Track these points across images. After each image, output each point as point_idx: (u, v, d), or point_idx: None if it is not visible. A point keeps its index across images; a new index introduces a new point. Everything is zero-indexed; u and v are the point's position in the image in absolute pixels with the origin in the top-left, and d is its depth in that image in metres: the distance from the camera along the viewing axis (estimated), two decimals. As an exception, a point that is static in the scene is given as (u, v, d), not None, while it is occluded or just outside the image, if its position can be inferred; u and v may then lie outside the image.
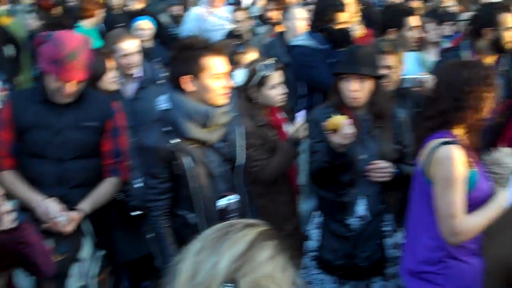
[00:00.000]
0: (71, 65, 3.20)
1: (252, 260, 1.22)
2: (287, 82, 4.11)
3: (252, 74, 3.99)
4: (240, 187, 3.26)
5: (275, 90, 3.98)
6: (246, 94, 4.00)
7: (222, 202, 3.15)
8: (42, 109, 3.35)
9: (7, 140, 3.36)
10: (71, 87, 3.27)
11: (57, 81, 3.24)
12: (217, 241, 1.26)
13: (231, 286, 1.17)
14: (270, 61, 4.03)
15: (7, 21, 7.24)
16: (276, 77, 3.99)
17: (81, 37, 3.37)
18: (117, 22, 5.90)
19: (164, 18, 7.99)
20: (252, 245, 1.25)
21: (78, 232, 3.28)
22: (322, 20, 4.86)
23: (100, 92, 3.83)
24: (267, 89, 3.96)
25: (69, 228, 3.22)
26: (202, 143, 3.12)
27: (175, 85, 3.09)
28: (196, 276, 1.22)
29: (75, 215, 3.26)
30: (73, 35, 3.39)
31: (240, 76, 4.02)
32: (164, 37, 6.88)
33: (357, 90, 3.43)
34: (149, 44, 6.11)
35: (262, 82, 3.95)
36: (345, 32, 4.82)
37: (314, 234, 3.64)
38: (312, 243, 3.64)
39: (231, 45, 4.81)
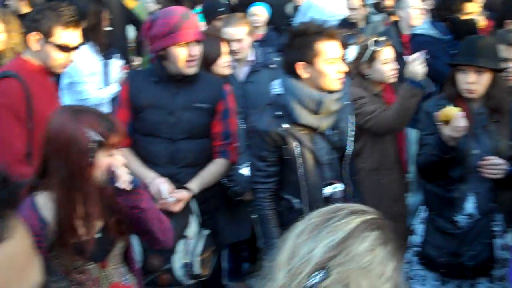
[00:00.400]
0: (187, 25, 3.32)
1: (348, 250, 1.19)
2: (400, 73, 4.05)
3: (363, 49, 4.04)
4: (347, 177, 3.24)
5: (387, 65, 4.01)
6: (358, 71, 4.04)
7: (327, 190, 3.14)
8: (158, 89, 3.45)
9: (123, 119, 3.46)
10: (194, 50, 3.35)
11: (179, 47, 3.32)
12: (318, 227, 1.24)
13: (321, 273, 1.15)
14: (381, 38, 4.09)
15: (132, 4, 7.55)
16: (387, 52, 4.03)
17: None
18: (219, 7, 5.96)
19: (289, 7, 8.03)
20: (352, 234, 1.21)
21: (186, 210, 3.36)
22: (448, 9, 4.74)
23: (212, 75, 3.90)
24: (378, 64, 4.00)
25: (177, 208, 3.31)
26: (312, 130, 3.12)
27: (289, 71, 3.11)
28: (293, 259, 1.21)
29: (184, 195, 3.34)
30: (174, 6, 3.54)
31: (352, 53, 4.05)
32: (279, 24, 6.90)
33: (473, 82, 3.31)
34: (263, 30, 6.17)
35: (373, 57, 3.99)
36: (470, 23, 4.67)
37: (418, 229, 3.56)
38: (416, 238, 3.56)
39: (343, 36, 4.80)
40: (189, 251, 3.34)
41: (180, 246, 3.32)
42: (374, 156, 4.04)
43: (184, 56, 3.34)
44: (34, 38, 3.22)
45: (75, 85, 4.76)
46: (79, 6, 4.33)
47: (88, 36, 4.64)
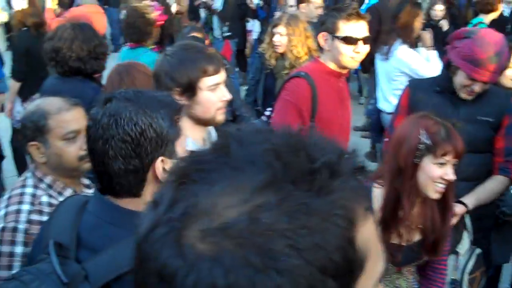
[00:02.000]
0: (489, 67, 3.18)
1: None
2: None
3: None
4: None
5: None
6: None
7: None
8: (440, 99, 3.39)
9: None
10: (480, 87, 3.26)
11: (468, 79, 3.24)
12: None
13: None
14: None
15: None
16: None
17: (503, 39, 3.30)
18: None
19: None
20: None
21: (460, 225, 3.26)
22: None
23: (499, 88, 3.70)
24: None
25: (453, 221, 3.21)
26: None
27: None
28: None
29: (459, 208, 3.24)
30: (497, 35, 3.32)
31: None
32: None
33: None
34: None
35: None
36: None
37: None
38: None
39: None
40: (459, 267, 3.24)
41: (451, 261, 3.23)
42: None
43: (465, 86, 3.27)
44: (323, 39, 3.37)
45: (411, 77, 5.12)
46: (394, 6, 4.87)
47: (401, 34, 5.14)
